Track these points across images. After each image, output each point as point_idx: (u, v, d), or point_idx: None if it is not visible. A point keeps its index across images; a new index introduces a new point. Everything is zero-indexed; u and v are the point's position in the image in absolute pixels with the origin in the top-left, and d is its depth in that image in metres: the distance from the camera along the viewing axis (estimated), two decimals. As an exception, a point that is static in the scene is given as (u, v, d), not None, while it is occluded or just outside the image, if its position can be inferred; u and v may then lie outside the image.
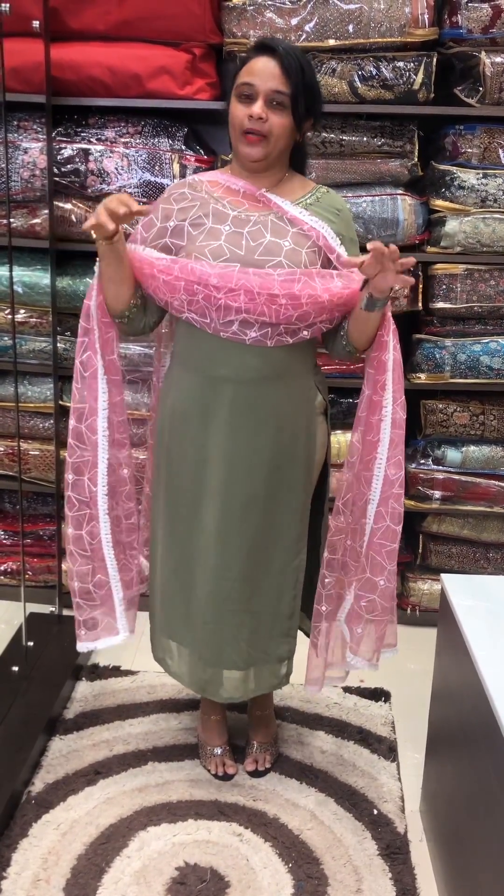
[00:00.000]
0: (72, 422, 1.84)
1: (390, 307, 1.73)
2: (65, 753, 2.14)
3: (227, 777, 2.08)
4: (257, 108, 1.62)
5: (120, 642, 1.95)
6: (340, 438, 2.61)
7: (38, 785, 2.03)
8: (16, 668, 2.32)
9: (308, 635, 1.98)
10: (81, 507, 1.87)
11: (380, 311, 1.66)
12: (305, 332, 1.73)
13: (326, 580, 1.87)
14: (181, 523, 1.87)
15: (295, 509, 1.87)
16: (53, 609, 2.68)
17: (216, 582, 1.86)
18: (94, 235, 1.66)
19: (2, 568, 2.88)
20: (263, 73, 1.63)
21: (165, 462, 1.88)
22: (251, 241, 1.68)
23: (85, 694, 2.37)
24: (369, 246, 1.52)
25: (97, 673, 2.46)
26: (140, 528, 2.01)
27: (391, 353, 1.73)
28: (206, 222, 1.71)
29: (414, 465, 2.68)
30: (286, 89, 1.62)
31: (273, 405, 1.77)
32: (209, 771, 2.10)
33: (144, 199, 2.46)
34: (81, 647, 1.94)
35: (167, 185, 2.44)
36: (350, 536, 1.86)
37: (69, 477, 1.86)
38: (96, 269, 1.76)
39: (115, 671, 2.48)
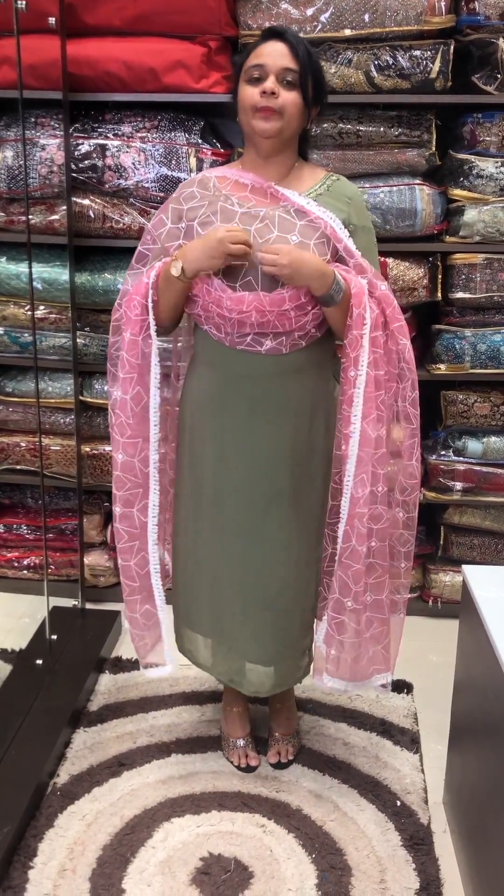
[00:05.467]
0: (120, 455, 1.79)
1: (363, 313, 1.68)
2: (89, 745, 2.16)
3: (250, 769, 2.09)
4: (269, 83, 1.64)
5: (167, 675, 1.95)
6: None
7: (64, 777, 2.05)
8: (40, 662, 2.34)
9: None
10: (131, 539, 1.84)
11: (335, 305, 1.67)
12: (317, 332, 1.73)
13: (326, 568, 1.88)
14: (204, 518, 1.88)
15: (316, 502, 1.87)
16: (76, 603, 2.70)
17: (242, 576, 1.87)
18: (178, 273, 1.67)
19: (25, 562, 2.90)
20: (273, 53, 1.66)
21: (188, 457, 1.89)
22: (259, 239, 1.68)
23: (108, 686, 2.39)
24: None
25: (120, 666, 2.48)
26: (164, 523, 2.03)
27: (361, 370, 1.69)
28: (214, 221, 1.71)
29: (434, 457, 2.67)
30: (295, 67, 1.65)
31: (292, 397, 1.77)
32: (232, 763, 2.11)
33: (162, 194, 2.47)
34: (148, 674, 1.96)
35: (184, 180, 2.45)
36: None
37: (117, 510, 1.83)
38: (143, 304, 1.73)
39: (138, 664, 2.48)
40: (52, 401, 2.71)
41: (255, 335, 1.69)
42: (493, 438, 2.65)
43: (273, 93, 1.64)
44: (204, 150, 2.45)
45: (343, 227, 1.71)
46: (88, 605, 2.73)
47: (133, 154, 2.46)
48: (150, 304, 1.73)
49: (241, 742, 2.13)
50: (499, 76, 2.34)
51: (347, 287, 1.68)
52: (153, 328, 1.75)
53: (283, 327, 1.68)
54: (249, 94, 1.66)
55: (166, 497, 2.00)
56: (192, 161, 2.45)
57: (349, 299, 1.68)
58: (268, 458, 1.79)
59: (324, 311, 1.71)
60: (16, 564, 2.91)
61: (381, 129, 2.42)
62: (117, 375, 1.80)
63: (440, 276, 2.53)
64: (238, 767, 2.10)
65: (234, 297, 1.66)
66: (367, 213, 1.83)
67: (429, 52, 2.33)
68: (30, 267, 2.32)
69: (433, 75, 2.34)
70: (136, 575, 1.86)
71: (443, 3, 2.30)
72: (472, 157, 2.41)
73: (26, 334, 2.65)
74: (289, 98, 1.66)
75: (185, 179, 2.44)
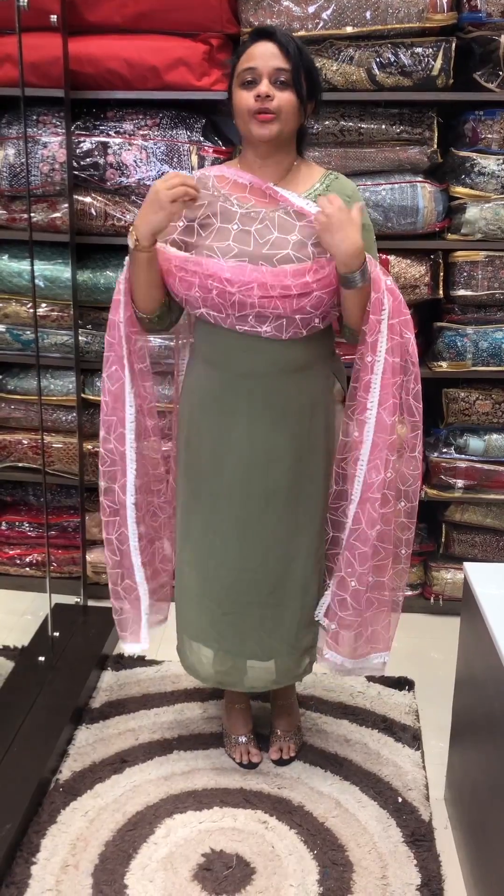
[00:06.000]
0: (102, 432, 1.86)
1: (381, 298, 1.68)
2: (91, 742, 2.16)
3: (251, 765, 2.10)
4: (264, 86, 1.64)
5: (140, 651, 1.99)
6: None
7: (66, 773, 2.05)
8: (42, 659, 2.35)
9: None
10: (112, 514, 1.89)
11: (358, 288, 1.66)
12: (318, 322, 1.73)
13: (328, 552, 1.90)
14: (199, 515, 1.88)
15: (317, 500, 1.87)
16: (78, 600, 2.70)
17: (236, 574, 1.87)
18: (134, 244, 1.66)
19: (27, 559, 2.91)
20: (264, 55, 1.65)
21: (186, 454, 1.90)
22: (259, 239, 1.68)
23: (110, 683, 2.40)
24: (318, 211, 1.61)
25: (122, 663, 2.49)
26: (170, 518, 2.04)
27: (376, 355, 1.70)
28: (214, 222, 1.71)
29: (436, 454, 2.67)
30: (287, 66, 1.64)
31: (291, 397, 1.77)
32: (234, 759, 2.11)
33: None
34: (124, 647, 2.00)
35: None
36: (332, 526, 1.88)
37: (102, 484, 1.89)
38: (120, 281, 1.76)
39: (140, 661, 2.50)
40: (54, 398, 2.71)
41: (255, 317, 1.68)
42: (495, 436, 2.66)
43: (268, 96, 1.63)
44: (205, 147, 2.46)
45: None
46: (91, 603, 2.74)
47: (135, 152, 2.46)
48: (123, 286, 1.75)
49: (242, 739, 2.13)
50: (500, 73, 2.34)
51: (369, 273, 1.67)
52: (122, 307, 1.75)
53: (285, 310, 1.66)
54: (245, 99, 1.66)
55: (167, 486, 2.02)
56: (194, 159, 2.45)
57: (369, 286, 1.68)
58: (266, 457, 1.80)
59: (342, 294, 1.69)
60: (18, 562, 2.91)
61: (383, 126, 2.42)
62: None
63: (442, 274, 2.53)
64: (240, 764, 2.10)
65: (235, 267, 1.65)
66: (367, 211, 1.83)
67: (430, 50, 2.33)
68: (31, 265, 2.32)
69: (435, 73, 2.34)
70: (116, 549, 1.90)
71: (444, 1, 2.30)
72: (473, 155, 2.41)
73: (28, 332, 2.65)
74: (284, 98, 1.65)
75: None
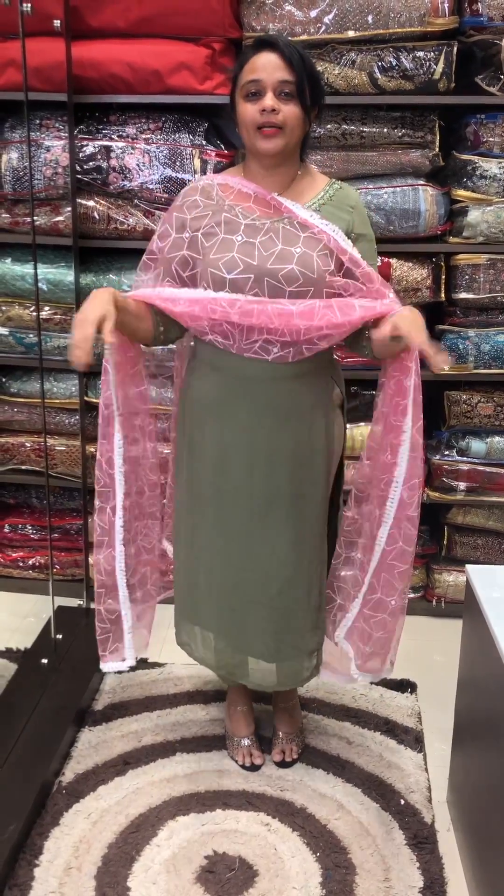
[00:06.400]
0: (98, 454, 1.85)
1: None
2: (94, 744, 2.17)
3: (254, 767, 2.10)
4: (268, 100, 1.63)
5: (125, 668, 1.97)
6: (364, 431, 2.60)
7: (69, 775, 2.06)
8: (45, 661, 2.35)
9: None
10: (102, 534, 1.88)
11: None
12: (324, 345, 1.73)
13: (339, 573, 1.91)
14: (204, 517, 1.89)
15: (318, 503, 1.88)
16: (81, 602, 2.71)
17: (240, 575, 1.88)
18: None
19: (30, 562, 2.92)
20: (267, 66, 1.64)
21: (188, 456, 1.90)
22: (263, 251, 1.68)
23: (113, 686, 2.40)
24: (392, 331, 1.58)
25: (125, 665, 2.49)
26: (164, 519, 2.04)
27: (413, 377, 1.70)
28: (218, 232, 1.71)
29: (438, 457, 2.68)
30: (292, 77, 1.64)
31: (292, 400, 1.78)
32: (236, 761, 2.12)
33: (166, 195, 2.48)
34: (103, 667, 1.97)
35: (188, 181, 2.45)
36: (360, 550, 1.88)
37: (97, 503, 1.87)
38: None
39: (143, 663, 2.50)
40: (57, 401, 2.72)
41: (263, 342, 1.69)
42: (497, 438, 2.66)
43: (273, 109, 1.63)
44: (208, 151, 2.47)
45: (346, 237, 1.71)
46: (93, 605, 2.74)
47: (137, 155, 2.47)
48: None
49: (245, 741, 2.13)
50: (502, 77, 2.34)
51: None
52: (108, 345, 1.71)
53: (292, 336, 1.67)
54: (250, 112, 1.65)
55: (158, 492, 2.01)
56: (197, 162, 2.46)
57: None
58: (268, 459, 1.81)
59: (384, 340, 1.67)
60: (21, 564, 2.92)
61: (385, 130, 2.42)
62: None
63: (444, 277, 2.54)
64: (242, 766, 2.10)
65: (243, 310, 1.65)
66: (368, 220, 1.84)
67: (432, 54, 2.33)
68: (35, 268, 2.33)
69: (436, 76, 2.35)
70: (102, 570, 1.90)
71: (446, 5, 2.31)
72: (475, 158, 2.42)
73: (31, 335, 2.66)
74: (289, 111, 1.65)
75: (189, 181, 2.45)
